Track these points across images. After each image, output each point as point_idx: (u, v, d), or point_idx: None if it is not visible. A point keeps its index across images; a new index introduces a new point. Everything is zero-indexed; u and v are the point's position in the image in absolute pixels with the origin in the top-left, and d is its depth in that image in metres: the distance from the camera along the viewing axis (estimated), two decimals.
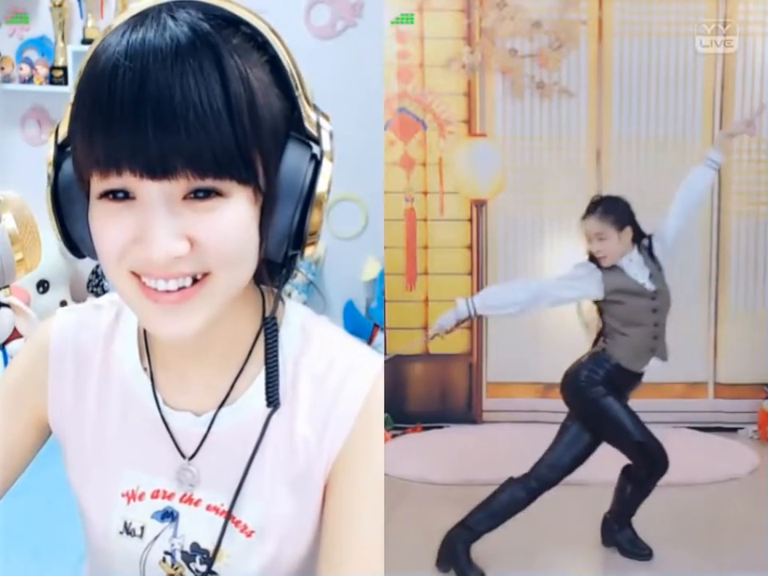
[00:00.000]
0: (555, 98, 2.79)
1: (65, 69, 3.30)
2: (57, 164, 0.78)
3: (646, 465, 1.94)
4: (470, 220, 2.85)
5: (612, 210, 1.91)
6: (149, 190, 0.71)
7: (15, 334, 2.99)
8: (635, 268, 1.92)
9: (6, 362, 2.95)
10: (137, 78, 0.69)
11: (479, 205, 2.84)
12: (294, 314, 0.90)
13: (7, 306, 2.95)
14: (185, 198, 0.72)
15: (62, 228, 0.79)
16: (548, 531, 2.08)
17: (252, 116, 0.72)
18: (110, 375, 0.91)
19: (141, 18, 0.72)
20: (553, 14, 2.74)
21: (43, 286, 3.20)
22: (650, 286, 1.91)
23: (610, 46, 2.79)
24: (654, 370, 1.98)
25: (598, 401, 1.90)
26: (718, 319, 2.86)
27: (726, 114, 2.78)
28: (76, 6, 3.36)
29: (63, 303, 3.24)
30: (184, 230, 0.72)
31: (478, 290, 2.86)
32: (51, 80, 3.34)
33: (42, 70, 3.34)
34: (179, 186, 0.71)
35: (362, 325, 3.20)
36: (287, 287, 3.12)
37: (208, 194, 0.72)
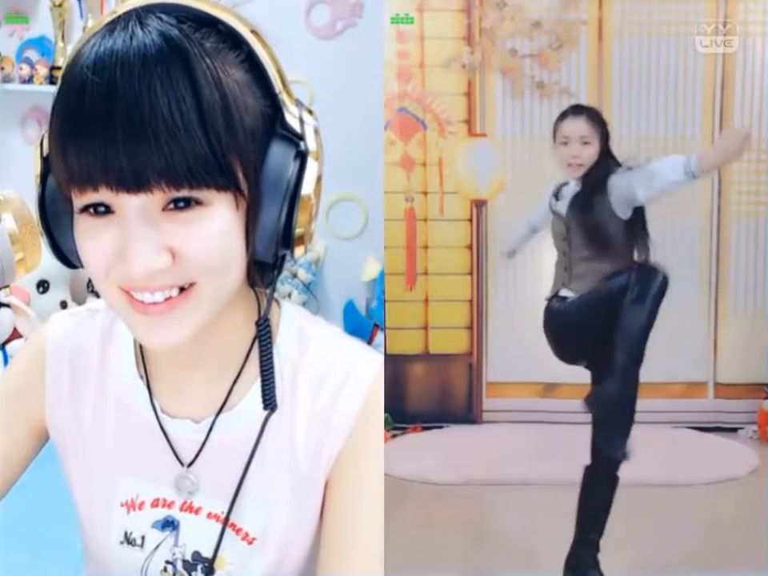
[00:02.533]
0: (555, 98, 2.79)
1: None
2: (43, 177, 0.77)
3: None
4: (470, 220, 2.85)
5: (599, 118, 1.81)
6: (126, 203, 0.70)
7: (15, 334, 2.99)
8: (571, 189, 1.83)
9: (6, 362, 2.94)
10: (104, 92, 0.68)
11: (479, 205, 2.84)
12: (291, 316, 0.89)
13: (7, 306, 2.95)
14: (164, 209, 0.71)
15: (51, 241, 0.79)
16: (548, 531, 2.07)
17: (227, 120, 0.70)
18: (106, 382, 0.90)
19: (111, 27, 0.71)
20: (553, 14, 2.74)
21: (43, 285, 3.19)
22: (565, 211, 1.82)
23: (610, 46, 2.79)
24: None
25: None
26: (718, 319, 2.85)
27: (726, 114, 2.78)
28: (76, 6, 3.35)
29: (63, 303, 3.24)
30: (165, 243, 0.71)
31: (479, 290, 2.86)
32: (51, 80, 3.33)
33: (42, 70, 3.34)
34: (156, 198, 0.70)
35: (362, 325, 3.19)
36: (286, 288, 3.12)
37: (187, 204, 0.71)
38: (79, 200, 0.72)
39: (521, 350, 2.82)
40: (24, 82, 3.36)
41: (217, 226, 0.72)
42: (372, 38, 2.86)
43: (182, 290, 0.74)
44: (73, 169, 0.70)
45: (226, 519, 0.84)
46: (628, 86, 2.79)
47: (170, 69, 0.68)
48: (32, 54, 3.42)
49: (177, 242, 0.71)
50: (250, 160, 0.73)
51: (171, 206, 0.71)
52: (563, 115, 1.81)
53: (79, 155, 0.69)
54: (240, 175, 0.72)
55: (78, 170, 0.70)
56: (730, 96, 2.78)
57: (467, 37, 2.79)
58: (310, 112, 0.78)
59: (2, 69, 3.35)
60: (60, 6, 3.30)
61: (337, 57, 3.12)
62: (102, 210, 0.72)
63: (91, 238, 0.73)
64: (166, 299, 0.73)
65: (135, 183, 0.69)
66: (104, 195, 0.70)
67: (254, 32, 0.75)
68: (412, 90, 2.80)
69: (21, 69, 3.35)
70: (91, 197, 0.71)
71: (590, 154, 1.78)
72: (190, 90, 0.68)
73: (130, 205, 0.70)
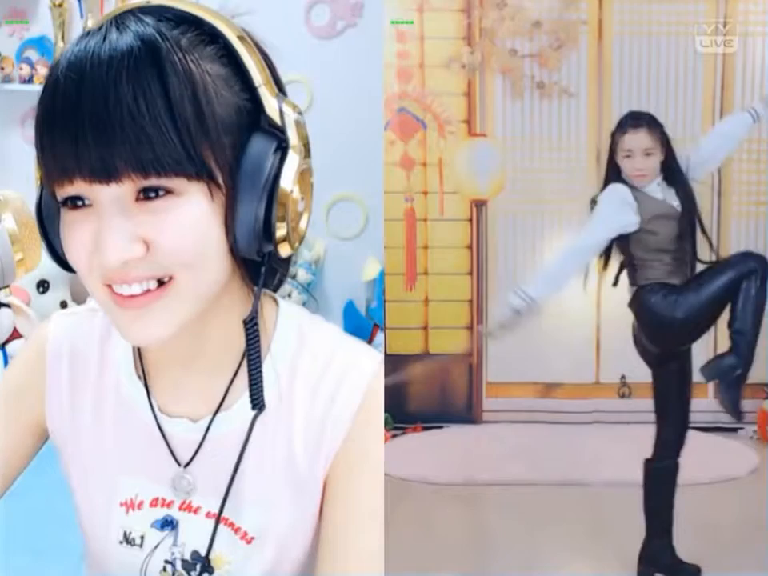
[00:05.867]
0: (555, 97, 2.79)
1: None
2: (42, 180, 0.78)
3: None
4: (470, 220, 2.85)
5: (658, 125, 1.80)
6: (100, 194, 0.71)
7: (15, 334, 2.99)
8: (663, 191, 1.80)
9: (6, 362, 2.95)
10: (74, 85, 0.69)
11: (479, 205, 2.84)
12: (290, 315, 0.89)
13: (7, 306, 2.95)
14: (137, 199, 0.71)
15: (47, 242, 0.80)
16: (548, 531, 2.08)
17: (196, 109, 0.71)
18: (105, 381, 0.90)
19: (91, 30, 0.73)
20: (553, 13, 2.74)
21: (43, 286, 3.20)
22: (678, 208, 1.82)
23: (610, 46, 2.79)
24: None
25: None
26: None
27: (726, 114, 2.78)
28: (76, 6, 3.36)
29: (63, 303, 3.24)
30: (138, 233, 0.71)
31: (479, 290, 2.86)
32: None
33: (42, 70, 3.34)
34: (127, 187, 0.71)
35: (362, 325, 3.20)
36: (286, 287, 3.12)
37: (158, 193, 0.71)
38: (59, 194, 0.73)
39: (521, 350, 2.82)
40: (24, 82, 3.36)
41: (190, 216, 0.72)
42: (372, 38, 2.86)
43: (161, 284, 0.74)
44: (49, 162, 0.72)
45: (218, 517, 0.84)
46: (628, 85, 2.79)
47: (138, 61, 0.70)
48: (32, 54, 3.42)
49: (150, 231, 0.72)
50: (223, 150, 0.73)
51: (144, 196, 0.71)
52: (622, 127, 1.79)
53: (54, 148, 0.71)
54: (213, 165, 0.73)
55: (53, 164, 0.71)
56: (730, 96, 2.77)
57: (467, 37, 2.79)
58: (294, 106, 0.78)
59: (2, 69, 3.36)
60: (60, 5, 3.31)
61: (337, 57, 3.13)
62: (80, 203, 0.73)
63: (72, 231, 0.74)
64: (144, 292, 0.73)
65: (105, 173, 0.70)
66: (79, 187, 0.71)
67: (240, 37, 0.76)
68: (412, 90, 2.80)
69: (21, 69, 3.36)
70: (68, 189, 0.72)
71: (654, 164, 1.77)
72: (157, 79, 0.69)
73: (103, 196, 0.71)
